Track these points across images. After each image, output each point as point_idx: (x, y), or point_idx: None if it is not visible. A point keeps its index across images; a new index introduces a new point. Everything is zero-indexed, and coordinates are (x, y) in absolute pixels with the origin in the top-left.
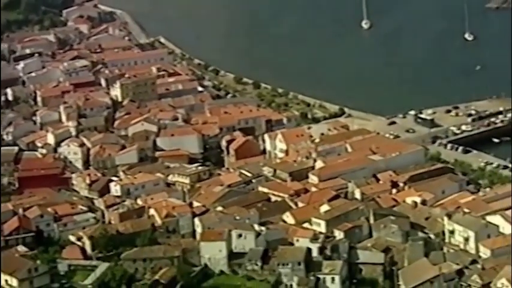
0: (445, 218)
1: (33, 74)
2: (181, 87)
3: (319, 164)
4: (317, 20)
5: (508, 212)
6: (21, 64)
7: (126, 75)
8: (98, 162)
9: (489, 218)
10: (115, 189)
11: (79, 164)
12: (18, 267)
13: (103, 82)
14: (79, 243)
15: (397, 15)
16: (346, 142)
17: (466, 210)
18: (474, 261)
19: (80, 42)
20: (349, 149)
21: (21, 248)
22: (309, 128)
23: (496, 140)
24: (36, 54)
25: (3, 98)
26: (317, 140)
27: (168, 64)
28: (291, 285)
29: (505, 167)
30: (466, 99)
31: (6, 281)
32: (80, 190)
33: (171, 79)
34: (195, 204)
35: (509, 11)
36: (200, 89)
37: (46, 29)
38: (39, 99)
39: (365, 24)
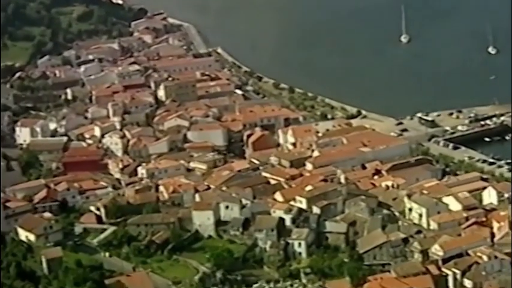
0: (405, 198)
1: (91, 77)
2: (219, 90)
3: (315, 153)
4: (361, 34)
5: (460, 194)
6: (82, 68)
7: (170, 79)
8: (134, 152)
9: (444, 199)
10: (141, 172)
11: (119, 153)
12: (36, 225)
13: (152, 84)
14: (97, 212)
15: (435, 31)
16: (343, 136)
17: (425, 192)
18: (419, 232)
19: (141, 50)
20: (345, 142)
21: (47, 214)
22: (316, 124)
23: (487, 139)
24: (97, 60)
25: (63, 97)
26: (320, 135)
27: (213, 70)
28: (265, 248)
29: (484, 161)
30: (473, 104)
31: (26, 236)
32: (114, 173)
33: (211, 83)
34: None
35: None
36: (238, 92)
37: (113, 39)
38: (93, 98)
39: (404, 39)
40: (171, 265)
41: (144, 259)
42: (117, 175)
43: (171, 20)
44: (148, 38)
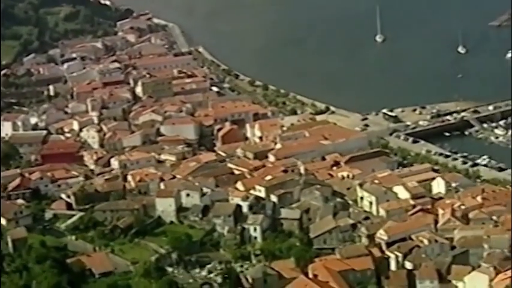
0: (357, 187)
1: (74, 74)
2: (194, 87)
3: (277, 146)
4: (339, 34)
5: (410, 183)
6: (65, 66)
7: (148, 76)
8: (109, 145)
9: (394, 188)
10: (114, 163)
11: (96, 146)
12: (7, 210)
13: (131, 81)
14: (67, 199)
15: (409, 32)
16: (306, 130)
17: (377, 182)
18: (367, 218)
19: (124, 49)
20: (307, 135)
21: (20, 201)
22: (282, 119)
23: (447, 134)
24: (79, 58)
25: (46, 93)
26: (284, 129)
27: (191, 68)
28: (223, 233)
29: (441, 154)
30: (438, 101)
31: None
32: (89, 165)
33: (187, 80)
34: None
35: (508, 28)
36: (214, 89)
37: (98, 38)
38: (74, 94)
39: (379, 38)
40: (131, 248)
41: (108, 242)
42: (92, 166)
43: (156, 21)
44: (131, 38)
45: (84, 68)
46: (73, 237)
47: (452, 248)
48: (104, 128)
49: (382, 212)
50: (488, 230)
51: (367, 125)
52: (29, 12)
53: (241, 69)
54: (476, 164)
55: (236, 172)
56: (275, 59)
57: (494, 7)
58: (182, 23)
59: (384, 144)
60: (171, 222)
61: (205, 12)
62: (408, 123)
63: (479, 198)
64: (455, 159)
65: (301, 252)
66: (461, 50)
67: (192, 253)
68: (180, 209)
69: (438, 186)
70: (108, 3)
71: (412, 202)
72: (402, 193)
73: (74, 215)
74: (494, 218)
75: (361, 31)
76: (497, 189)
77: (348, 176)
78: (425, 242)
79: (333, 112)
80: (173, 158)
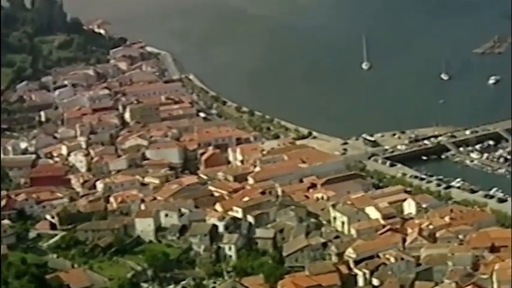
0: (331, 208)
1: (64, 100)
2: (181, 112)
3: (257, 169)
4: (327, 62)
5: (381, 204)
6: (57, 92)
7: (135, 102)
8: (96, 168)
9: (367, 209)
10: (99, 186)
11: (83, 169)
12: None
13: (120, 107)
14: (52, 219)
15: (394, 59)
16: (285, 154)
17: (349, 202)
18: (337, 237)
19: (116, 76)
20: (286, 159)
21: (6, 222)
22: (262, 143)
23: (424, 158)
24: (70, 85)
25: (37, 119)
26: (265, 152)
27: (179, 94)
28: (199, 251)
29: (416, 177)
30: (417, 126)
31: None
32: (76, 187)
33: (175, 106)
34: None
35: (492, 55)
36: (202, 114)
37: (91, 65)
38: (64, 120)
39: (365, 66)
40: (110, 265)
41: (87, 260)
42: (78, 189)
43: (149, 49)
44: (123, 65)
45: (75, 95)
46: (54, 255)
47: (418, 265)
48: (92, 152)
49: (353, 232)
50: (453, 248)
51: (346, 149)
52: (24, 40)
53: (229, 95)
54: (449, 186)
55: (216, 194)
56: (263, 86)
57: (480, 35)
58: (175, 51)
59: (361, 167)
60: (150, 241)
61: (198, 40)
62: (386, 147)
63: (447, 218)
64: (430, 181)
65: (272, 269)
66: (444, 76)
67: (168, 270)
68: (159, 229)
69: (409, 207)
70: (102, 32)
71: (382, 222)
72: (373, 214)
73: (56, 235)
74: (460, 236)
75: (347, 59)
76: (465, 210)
77: (322, 198)
78: (392, 259)
79: (315, 137)
80: (156, 181)
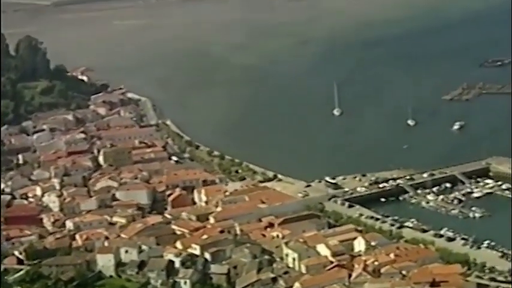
0: (283, 245)
1: (42, 144)
2: (153, 156)
3: (218, 209)
4: (300, 109)
5: (331, 242)
6: (35, 136)
7: (108, 145)
8: (68, 208)
9: (318, 246)
10: (69, 225)
11: (56, 209)
12: None
13: (95, 151)
14: (19, 255)
15: (366, 106)
16: (246, 195)
17: (301, 240)
18: (286, 273)
19: (93, 121)
20: (247, 199)
21: None
22: (226, 184)
23: (383, 199)
24: (48, 129)
25: (15, 162)
26: (227, 193)
27: (153, 139)
28: (156, 285)
29: (372, 217)
30: (380, 169)
31: None
32: (47, 226)
33: (147, 150)
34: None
35: (460, 102)
36: (174, 158)
37: (71, 111)
38: (41, 162)
39: (336, 112)
40: None
41: None
42: (49, 227)
43: (130, 95)
44: (102, 111)
45: (52, 139)
46: None
47: None
48: (65, 193)
49: (303, 268)
50: (395, 283)
51: (307, 191)
52: (7, 86)
53: (203, 140)
54: (402, 226)
55: (178, 232)
56: (236, 131)
57: (453, 83)
58: (156, 97)
59: (320, 208)
60: (111, 276)
61: (179, 88)
62: (347, 189)
63: (392, 255)
64: (384, 221)
65: None
66: (410, 122)
67: None
68: (119, 264)
69: (359, 245)
70: (85, 78)
71: (331, 259)
72: (324, 251)
73: (22, 269)
74: (403, 272)
75: (320, 106)
76: (410, 248)
77: (278, 236)
78: None
79: (280, 180)
80: (123, 220)
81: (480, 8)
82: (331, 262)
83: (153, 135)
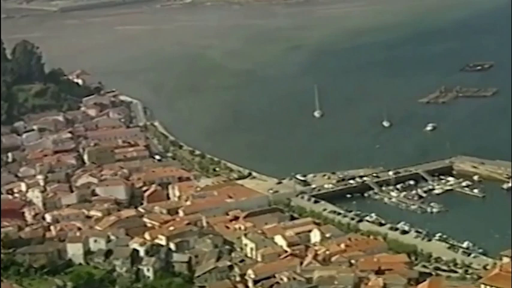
0: (243, 236)
1: (31, 143)
2: (135, 155)
3: (187, 203)
4: (282, 111)
5: (288, 233)
6: (24, 136)
7: (92, 144)
8: (50, 203)
9: (276, 237)
10: (48, 218)
11: (40, 204)
12: None
13: (81, 150)
14: None
15: (345, 108)
16: (215, 190)
17: (260, 231)
18: (242, 261)
19: (83, 122)
20: (215, 194)
21: None
22: (198, 181)
23: (348, 196)
24: (37, 129)
25: (4, 159)
26: (198, 189)
27: (138, 139)
28: (121, 273)
29: (335, 212)
30: (351, 167)
31: None
32: (28, 219)
33: (130, 149)
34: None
35: (436, 104)
36: (157, 157)
37: (63, 112)
38: (28, 160)
39: (317, 114)
40: (39, 282)
41: (20, 278)
42: (30, 221)
43: (123, 97)
44: (92, 112)
45: (40, 138)
46: None
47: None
48: (48, 189)
49: (259, 256)
50: (341, 270)
51: (273, 188)
52: (2, 88)
53: (187, 140)
54: (361, 220)
55: (149, 225)
56: (219, 132)
57: (432, 87)
58: (147, 100)
59: (286, 203)
60: (80, 263)
61: (171, 91)
62: (314, 186)
63: (342, 245)
64: (345, 216)
65: (180, 287)
66: (385, 123)
67: None
68: (88, 253)
69: (315, 236)
70: (79, 81)
71: (286, 249)
72: (280, 241)
73: None
74: (352, 261)
75: (303, 108)
76: (361, 239)
77: (240, 228)
78: (285, 279)
79: (254, 177)
80: (99, 214)
81: (465, 16)
82: (286, 252)
83: (138, 135)
